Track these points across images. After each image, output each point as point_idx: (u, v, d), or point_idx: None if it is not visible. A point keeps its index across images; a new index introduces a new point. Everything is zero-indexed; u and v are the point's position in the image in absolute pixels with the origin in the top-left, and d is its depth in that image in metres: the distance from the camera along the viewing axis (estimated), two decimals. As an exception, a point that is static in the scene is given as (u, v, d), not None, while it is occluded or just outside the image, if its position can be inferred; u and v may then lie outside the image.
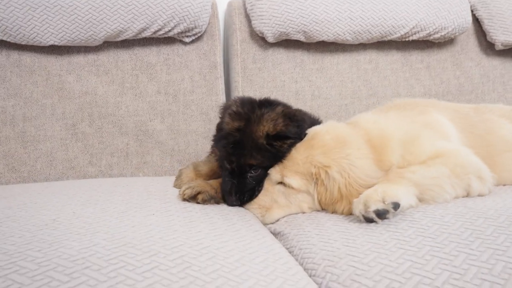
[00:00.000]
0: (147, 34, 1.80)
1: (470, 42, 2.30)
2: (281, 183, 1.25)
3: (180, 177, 1.45)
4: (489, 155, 1.30)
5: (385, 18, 1.99)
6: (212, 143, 1.55)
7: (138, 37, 1.82)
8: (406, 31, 2.04)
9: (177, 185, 1.44)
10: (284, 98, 2.02)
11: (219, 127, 1.36)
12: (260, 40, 2.02)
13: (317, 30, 1.94)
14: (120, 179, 1.66)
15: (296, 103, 1.96)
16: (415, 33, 2.06)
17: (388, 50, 2.18)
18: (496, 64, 2.32)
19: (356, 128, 1.29)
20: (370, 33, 2.01)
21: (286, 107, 1.33)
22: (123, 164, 1.84)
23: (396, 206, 1.03)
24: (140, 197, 1.28)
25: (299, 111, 1.37)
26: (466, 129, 1.37)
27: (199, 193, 1.28)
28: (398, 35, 2.04)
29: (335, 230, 1.05)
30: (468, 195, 1.19)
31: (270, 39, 1.95)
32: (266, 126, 1.24)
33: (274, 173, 1.24)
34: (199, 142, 1.92)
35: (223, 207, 1.27)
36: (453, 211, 1.06)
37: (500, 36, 2.19)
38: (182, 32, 1.84)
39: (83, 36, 1.73)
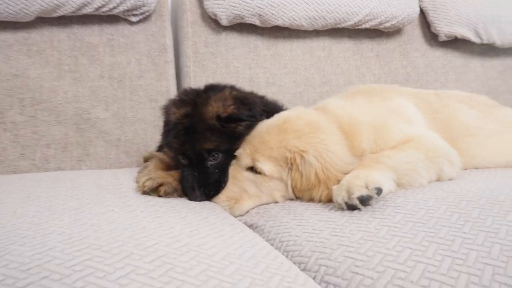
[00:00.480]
0: (88, 10, 1.61)
1: (415, 33, 2.35)
2: (250, 168, 1.15)
3: (147, 168, 1.30)
4: (451, 140, 1.30)
5: (340, 4, 1.96)
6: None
7: (77, 14, 1.62)
8: (360, 19, 2.02)
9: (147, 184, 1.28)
10: (238, 85, 1.92)
11: (166, 124, 1.23)
12: (213, 22, 1.90)
13: (272, 14, 1.86)
14: (61, 173, 1.46)
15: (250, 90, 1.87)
16: (367, 21, 2.06)
17: (341, 38, 2.16)
18: (439, 54, 2.40)
19: (326, 114, 1.23)
20: (325, 19, 1.97)
21: (233, 89, 1.27)
22: (61, 156, 1.64)
23: (379, 191, 0.98)
24: (91, 192, 1.12)
25: (250, 93, 1.31)
26: (429, 114, 1.37)
27: (161, 185, 1.15)
28: (352, 22, 2.03)
29: (317, 219, 0.98)
30: (439, 179, 1.18)
31: (224, 22, 1.84)
32: (215, 106, 1.16)
33: (244, 156, 1.15)
34: (148, 131, 1.76)
35: (186, 200, 1.15)
36: (433, 195, 1.03)
37: (444, 27, 2.26)
38: (128, 10, 1.67)
39: (11, 10, 1.50)
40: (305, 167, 1.09)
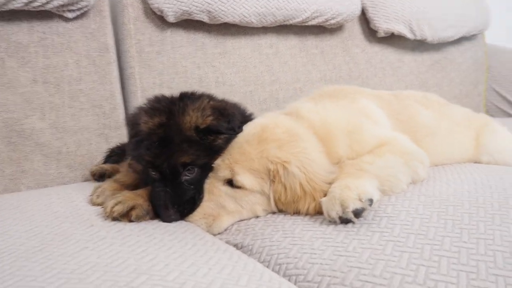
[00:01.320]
0: (15, 5, 1.39)
1: (355, 30, 2.39)
2: (228, 182, 1.07)
3: (102, 191, 1.15)
4: (415, 140, 1.32)
5: (289, 1, 1.92)
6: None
7: (2, 9, 1.39)
8: (308, 15, 2.00)
9: (100, 202, 1.13)
10: (187, 85, 1.82)
11: (135, 135, 1.09)
12: (157, 19, 1.76)
13: (222, 10, 1.77)
14: (1, 198, 1.25)
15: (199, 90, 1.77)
16: (314, 18, 2.05)
17: (287, 35, 2.13)
18: (377, 50, 2.47)
19: (299, 119, 1.18)
20: (274, 16, 1.91)
21: (211, 98, 1.15)
22: (-9, 175, 1.42)
23: (371, 202, 0.96)
24: (49, 223, 0.96)
25: (228, 103, 1.21)
26: (392, 115, 1.38)
27: (132, 208, 1.02)
28: (300, 19, 2.00)
29: (312, 236, 0.93)
30: (413, 181, 1.20)
31: (170, 19, 1.71)
32: (194, 116, 1.05)
33: (223, 168, 1.06)
34: (93, 141, 1.59)
35: (160, 223, 1.04)
36: (418, 201, 1.03)
37: (383, 24, 2.33)
38: (63, 5, 1.47)
39: None
40: (289, 179, 1.04)
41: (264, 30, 2.04)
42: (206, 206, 1.07)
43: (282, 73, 2.10)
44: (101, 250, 0.82)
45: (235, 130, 1.10)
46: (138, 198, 1.05)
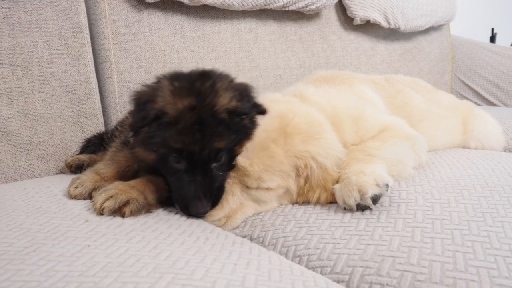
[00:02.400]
0: (-24, -24, 1.23)
1: (332, 17, 2.37)
2: None
3: (81, 183, 1.03)
4: (411, 125, 1.31)
5: (271, -17, 1.85)
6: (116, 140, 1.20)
7: (-40, -20, 1.23)
8: (289, 0, 1.94)
9: (78, 194, 1.01)
10: (166, 71, 1.71)
11: (153, 118, 0.92)
12: (133, -2, 1.63)
13: (203, -9, 1.67)
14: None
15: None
16: (295, 3, 1.99)
17: (266, 20, 2.06)
18: (352, 38, 2.46)
19: (308, 103, 1.12)
20: (256, -2, 1.84)
21: (229, 77, 1.04)
22: (-50, 168, 1.26)
23: (387, 187, 0.92)
24: (36, 220, 0.85)
25: (243, 83, 1.07)
26: (387, 100, 1.36)
27: (126, 203, 0.92)
28: (281, 3, 1.94)
29: (330, 225, 0.88)
30: (417, 166, 1.17)
31: (149, -2, 1.59)
32: (225, 97, 0.95)
33: (252, 177, 0.96)
34: (67, 130, 1.45)
35: (160, 216, 0.95)
36: (430, 186, 1.01)
37: (359, 11, 2.31)
38: (32, -21, 1.32)
39: None
40: (314, 171, 0.97)
41: (244, 14, 1.96)
42: (227, 207, 0.98)
43: (262, 60, 2.03)
44: (107, 248, 0.72)
45: (258, 109, 1.01)
46: (132, 191, 0.94)
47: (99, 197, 0.92)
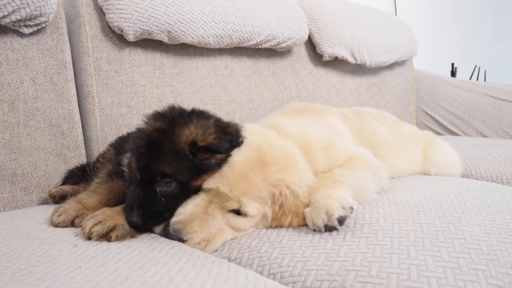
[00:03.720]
0: (-32, 18, 1.31)
1: (302, 53, 2.53)
2: (233, 210, 1.06)
3: (64, 211, 1.09)
4: (376, 155, 1.43)
5: (244, 24, 1.99)
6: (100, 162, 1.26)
7: (-48, 22, 1.30)
8: (262, 39, 2.09)
9: (61, 221, 1.06)
10: (146, 105, 1.81)
11: (137, 131, 1.09)
12: (115, 37, 1.73)
13: (182, 31, 1.79)
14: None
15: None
16: (268, 41, 2.13)
17: (241, 57, 2.19)
18: (322, 73, 2.62)
19: (281, 134, 1.22)
20: (231, 38, 1.97)
21: (218, 119, 1.15)
22: None
23: (352, 210, 1.02)
24: (28, 246, 0.91)
25: (233, 124, 1.18)
26: (355, 132, 1.48)
27: (112, 229, 0.98)
28: (254, 42, 2.07)
29: (301, 245, 0.97)
30: (379, 191, 1.28)
31: (131, 37, 1.70)
32: (194, 132, 1.04)
33: (232, 199, 1.04)
34: (50, 162, 1.51)
35: (144, 241, 1.01)
36: (390, 208, 1.12)
37: (328, 48, 2.48)
38: (21, 20, 1.41)
39: None
40: (288, 198, 1.07)
41: (220, 51, 2.09)
42: (206, 231, 1.04)
43: (237, 94, 2.15)
44: (97, 269, 0.79)
45: (233, 151, 1.09)
46: (118, 217, 1.02)
47: (88, 222, 0.98)
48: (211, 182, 1.06)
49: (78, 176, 1.49)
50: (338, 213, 0.98)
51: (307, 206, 1.07)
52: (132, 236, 1.03)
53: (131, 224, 1.02)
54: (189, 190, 1.08)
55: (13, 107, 1.44)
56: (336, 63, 2.69)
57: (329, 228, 1.01)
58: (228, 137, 1.08)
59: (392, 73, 3.11)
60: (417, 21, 4.05)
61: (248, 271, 0.87)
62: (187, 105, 1.87)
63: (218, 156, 1.07)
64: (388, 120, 1.69)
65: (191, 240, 1.02)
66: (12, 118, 1.43)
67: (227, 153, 1.08)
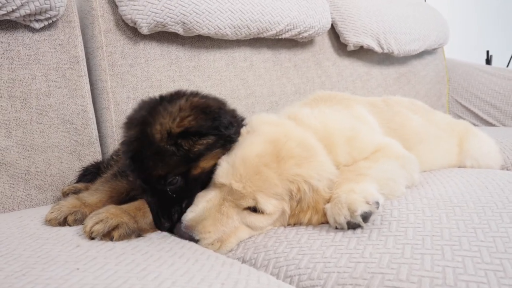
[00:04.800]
0: (-23, 14, 1.28)
1: (325, 43, 2.42)
2: (249, 207, 0.99)
3: (59, 208, 1.03)
4: (407, 147, 1.32)
5: (263, 13, 1.91)
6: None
7: (-39, 18, 1.28)
8: (281, 28, 2.00)
9: (53, 218, 1.01)
10: (163, 100, 1.75)
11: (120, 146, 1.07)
12: (129, 31, 1.68)
13: (197, 22, 1.72)
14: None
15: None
16: (288, 31, 2.04)
17: (260, 48, 2.11)
18: (347, 64, 2.51)
19: (301, 125, 1.13)
20: (249, 28, 1.89)
21: (193, 95, 1.05)
22: None
23: (378, 205, 0.93)
24: (29, 246, 0.86)
25: (213, 100, 1.08)
26: (383, 123, 1.37)
27: (115, 227, 0.92)
28: (274, 32, 1.99)
29: (321, 245, 0.88)
30: (409, 185, 1.18)
31: (144, 30, 1.64)
32: (165, 123, 0.96)
33: (246, 197, 0.96)
34: (64, 160, 1.47)
35: (153, 240, 0.95)
36: (422, 204, 1.01)
37: (352, 37, 2.37)
38: (31, 15, 1.37)
39: None
40: (306, 194, 0.98)
41: (238, 43, 2.01)
42: (220, 231, 0.96)
43: (257, 87, 2.07)
44: (96, 271, 0.72)
45: (221, 129, 0.98)
46: (123, 216, 0.95)
47: (90, 221, 0.92)
48: (223, 178, 0.98)
49: (93, 174, 1.44)
50: (361, 208, 0.89)
51: (328, 202, 0.98)
52: (139, 235, 0.97)
53: (165, 230, 1.00)
54: (196, 178, 1.01)
55: (25, 103, 1.40)
56: (362, 53, 2.57)
57: (352, 226, 0.91)
58: (209, 116, 0.97)
59: (422, 62, 2.96)
60: (448, 6, 3.85)
61: (262, 273, 0.78)
62: (205, 99, 1.82)
63: (205, 140, 0.98)
64: (421, 109, 1.57)
65: (203, 241, 0.95)
66: (25, 115, 1.40)
67: (213, 132, 0.98)
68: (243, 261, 0.93)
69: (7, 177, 1.35)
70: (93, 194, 1.12)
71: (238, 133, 1.07)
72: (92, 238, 0.91)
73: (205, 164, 1.01)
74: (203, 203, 0.99)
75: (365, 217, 0.90)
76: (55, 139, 1.46)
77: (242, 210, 0.98)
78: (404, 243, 0.82)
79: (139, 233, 0.97)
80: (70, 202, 1.07)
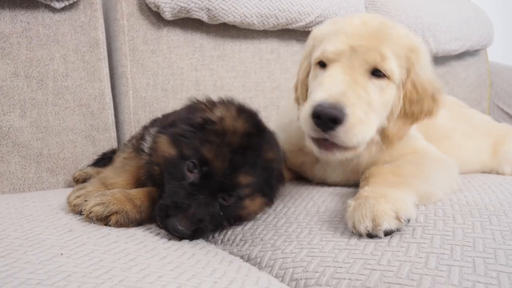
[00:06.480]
0: (-3, -10, 1.25)
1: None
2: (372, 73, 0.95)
3: (86, 193, 0.96)
4: (433, 142, 1.21)
5: (292, 3, 1.82)
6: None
7: (-19, -6, 1.25)
8: (311, 20, 1.90)
9: (76, 202, 0.92)
10: (183, 88, 1.70)
11: (205, 121, 0.89)
12: (152, 16, 1.63)
13: (222, 9, 1.65)
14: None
15: (197, 95, 1.63)
16: (318, 23, 1.93)
17: (289, 40, 2.02)
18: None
19: None
20: (277, 18, 1.80)
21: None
22: (-40, 178, 1.25)
23: (408, 222, 0.81)
24: (20, 227, 0.81)
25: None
26: None
27: (113, 214, 0.86)
28: (303, 23, 1.89)
29: (333, 247, 0.79)
30: (450, 192, 1.05)
31: (167, 15, 1.59)
32: (271, 154, 0.93)
33: (371, 50, 0.93)
34: (78, 144, 1.43)
35: (153, 229, 0.88)
36: (452, 210, 0.90)
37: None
38: (51, -7, 1.34)
39: None
40: (421, 74, 0.99)
41: (265, 34, 1.93)
42: (364, 102, 0.91)
43: (284, 80, 1.98)
44: (79, 258, 0.66)
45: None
46: (125, 202, 0.88)
47: (92, 201, 0.86)
48: (342, 43, 0.95)
49: (110, 160, 1.40)
50: (387, 224, 0.77)
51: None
52: (139, 225, 0.90)
53: (177, 233, 0.82)
54: (238, 206, 0.91)
55: (42, 84, 1.38)
56: (397, 51, 2.43)
57: (371, 236, 0.80)
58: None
59: (462, 63, 2.78)
60: (493, 5, 3.63)
61: (263, 274, 0.70)
62: (228, 90, 1.76)
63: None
64: (453, 104, 1.44)
65: (352, 115, 0.86)
66: (41, 96, 1.37)
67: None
68: (248, 259, 0.85)
69: (19, 158, 1.33)
70: (120, 174, 1.03)
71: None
72: (89, 219, 0.85)
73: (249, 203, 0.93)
74: (336, 83, 0.91)
75: (389, 233, 0.79)
76: (70, 122, 1.42)
77: (369, 80, 0.94)
78: (429, 251, 0.71)
79: (140, 223, 0.90)
80: (96, 187, 0.99)
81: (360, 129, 0.88)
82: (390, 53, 0.93)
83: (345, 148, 0.91)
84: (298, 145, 1.15)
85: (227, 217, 0.91)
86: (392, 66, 0.93)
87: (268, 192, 0.95)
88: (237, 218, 0.96)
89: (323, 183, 1.20)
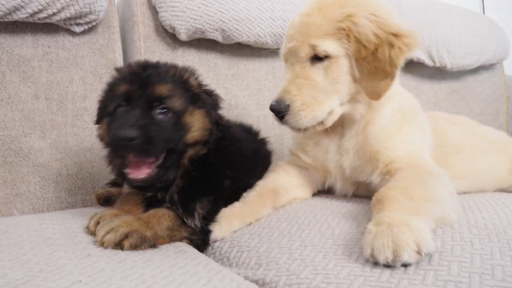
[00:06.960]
0: (20, 16, 1.30)
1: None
2: (314, 59, 1.06)
3: (100, 217, 0.98)
4: (444, 156, 1.22)
5: (306, 22, 1.84)
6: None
7: (5, 20, 1.30)
8: (325, 38, 1.91)
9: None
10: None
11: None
12: (168, 37, 1.67)
13: (237, 29, 1.68)
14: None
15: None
16: (332, 41, 1.95)
17: (302, 58, 2.03)
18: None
19: None
20: (291, 37, 1.82)
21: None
22: (-18, 198, 1.29)
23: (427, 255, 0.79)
24: (39, 251, 0.83)
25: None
26: (433, 130, 1.27)
27: (126, 236, 0.87)
28: (317, 41, 1.91)
29: (349, 273, 0.78)
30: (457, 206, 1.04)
31: (183, 37, 1.62)
32: (173, 70, 1.13)
33: (300, 47, 1.06)
34: (95, 164, 1.46)
35: (169, 253, 0.90)
36: (470, 234, 0.89)
37: (401, 49, 2.24)
38: (71, 18, 1.38)
39: None
40: (361, 32, 1.01)
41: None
42: (306, 94, 1.05)
43: (298, 98, 1.99)
44: (97, 285, 0.67)
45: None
46: (134, 223, 0.90)
47: (101, 230, 0.89)
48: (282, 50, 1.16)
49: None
50: (407, 257, 0.75)
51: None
52: (153, 246, 0.92)
53: (125, 139, 0.90)
54: (182, 126, 1.03)
55: (61, 106, 1.41)
56: (411, 66, 2.42)
57: (388, 266, 0.79)
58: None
59: (478, 78, 2.75)
60: (509, 20, 3.60)
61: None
62: (242, 108, 1.77)
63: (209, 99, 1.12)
64: (463, 122, 1.44)
65: (293, 104, 1.04)
66: (60, 118, 1.41)
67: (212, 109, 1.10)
68: (263, 284, 0.86)
69: (38, 178, 1.36)
70: (128, 200, 1.09)
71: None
72: (106, 248, 0.87)
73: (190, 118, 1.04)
74: (283, 82, 1.10)
75: (406, 265, 0.78)
76: (88, 143, 1.45)
77: (311, 65, 1.06)
78: (446, 279, 0.71)
79: (153, 242, 0.92)
80: (110, 212, 1.01)
81: (305, 114, 1.04)
82: (320, 40, 1.03)
83: (298, 129, 1.09)
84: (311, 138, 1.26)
85: (181, 135, 1.02)
86: (325, 48, 1.03)
87: (204, 104, 1.08)
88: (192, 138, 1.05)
89: (341, 173, 1.22)
